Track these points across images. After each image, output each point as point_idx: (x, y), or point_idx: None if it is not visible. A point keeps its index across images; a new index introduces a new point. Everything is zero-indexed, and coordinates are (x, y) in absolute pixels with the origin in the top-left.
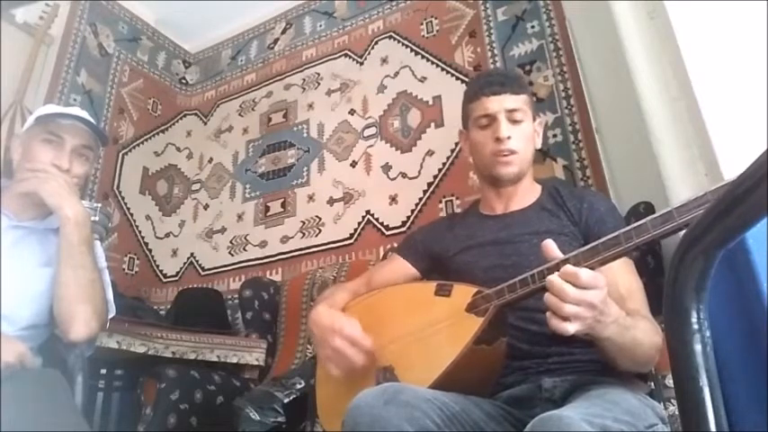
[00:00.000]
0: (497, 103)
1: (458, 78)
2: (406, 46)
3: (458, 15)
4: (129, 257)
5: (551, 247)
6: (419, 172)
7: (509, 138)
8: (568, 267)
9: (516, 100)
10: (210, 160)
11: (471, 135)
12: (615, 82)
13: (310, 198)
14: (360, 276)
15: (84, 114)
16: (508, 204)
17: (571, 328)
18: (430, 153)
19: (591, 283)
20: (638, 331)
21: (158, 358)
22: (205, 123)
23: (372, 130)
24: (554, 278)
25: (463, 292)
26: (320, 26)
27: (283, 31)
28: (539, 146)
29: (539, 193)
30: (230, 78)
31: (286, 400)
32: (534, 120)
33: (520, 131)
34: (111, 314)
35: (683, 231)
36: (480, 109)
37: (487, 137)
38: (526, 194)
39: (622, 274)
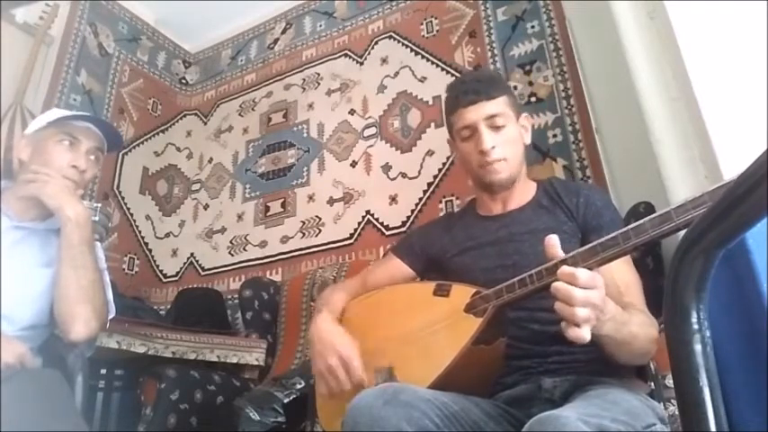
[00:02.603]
0: (474, 113)
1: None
2: (406, 46)
3: (458, 15)
4: (129, 257)
5: (554, 243)
6: (419, 172)
7: (493, 147)
8: (566, 268)
9: (495, 104)
10: (210, 160)
11: (457, 146)
12: (615, 82)
13: (310, 198)
14: (355, 276)
15: (100, 118)
16: (505, 205)
17: (587, 333)
18: (430, 153)
19: (589, 283)
20: (634, 326)
21: (158, 358)
22: (205, 123)
23: (372, 130)
24: (559, 285)
25: (462, 293)
26: (320, 26)
27: (283, 31)
28: (528, 141)
29: (534, 190)
30: (230, 78)
31: (286, 400)
32: (518, 118)
33: (503, 137)
34: (111, 314)
35: (682, 231)
36: (460, 121)
37: (472, 148)
38: (522, 194)
39: (619, 269)
